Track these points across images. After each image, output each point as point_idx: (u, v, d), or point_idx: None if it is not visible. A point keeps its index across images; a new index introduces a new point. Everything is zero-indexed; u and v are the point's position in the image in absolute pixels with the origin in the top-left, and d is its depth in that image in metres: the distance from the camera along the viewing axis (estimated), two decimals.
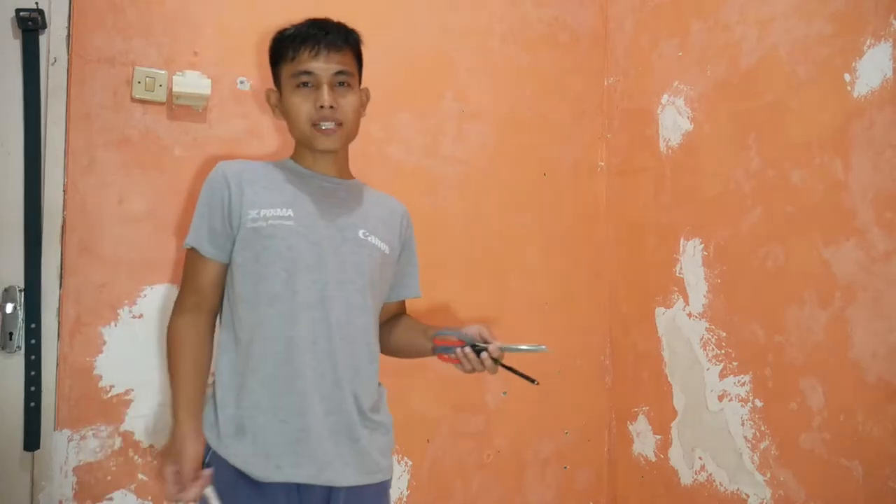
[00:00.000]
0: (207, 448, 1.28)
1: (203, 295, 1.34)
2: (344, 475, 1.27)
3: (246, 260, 1.30)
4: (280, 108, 1.41)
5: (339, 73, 1.35)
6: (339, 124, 1.35)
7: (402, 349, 1.51)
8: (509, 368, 1.32)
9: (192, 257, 1.35)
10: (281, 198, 1.33)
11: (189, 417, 1.25)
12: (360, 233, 1.38)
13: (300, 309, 1.28)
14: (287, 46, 1.35)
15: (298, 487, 1.26)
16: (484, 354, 1.30)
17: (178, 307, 1.34)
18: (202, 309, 1.34)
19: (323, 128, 1.34)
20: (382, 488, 1.36)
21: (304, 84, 1.34)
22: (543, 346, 1.32)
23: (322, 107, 1.32)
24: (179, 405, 1.25)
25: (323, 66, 1.33)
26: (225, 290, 1.36)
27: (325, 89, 1.33)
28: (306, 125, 1.35)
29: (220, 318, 1.37)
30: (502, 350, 1.32)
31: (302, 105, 1.34)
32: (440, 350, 1.36)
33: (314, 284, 1.30)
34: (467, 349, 1.31)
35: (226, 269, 1.35)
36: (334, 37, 1.35)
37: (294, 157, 1.45)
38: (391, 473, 1.39)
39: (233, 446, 1.25)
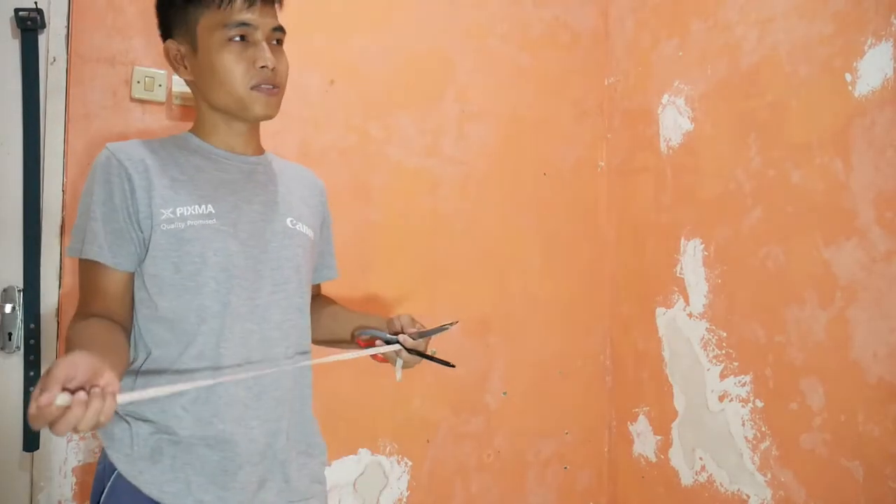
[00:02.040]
0: (108, 471, 1.06)
1: (111, 306, 1.08)
2: None
3: (162, 270, 1.08)
4: (194, 65, 1.14)
5: (277, 28, 1.16)
6: (278, 88, 1.15)
7: (325, 342, 1.33)
8: (426, 356, 1.21)
9: (89, 268, 1.08)
10: (198, 191, 1.11)
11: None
12: (288, 221, 1.20)
13: (233, 321, 1.09)
14: None
15: None
16: (398, 348, 1.15)
17: (76, 313, 1.08)
18: (112, 318, 1.07)
19: (264, 89, 1.13)
20: None
21: (237, 38, 1.11)
22: (449, 325, 1.22)
23: (264, 67, 1.11)
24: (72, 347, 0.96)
25: (260, 18, 1.12)
26: (134, 305, 1.11)
27: (265, 46, 1.12)
28: (243, 87, 1.11)
29: (131, 336, 1.13)
30: (417, 338, 1.17)
31: (237, 63, 1.10)
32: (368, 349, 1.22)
33: (248, 292, 1.11)
34: (399, 350, 1.17)
35: (132, 277, 1.11)
36: None
37: (199, 133, 1.19)
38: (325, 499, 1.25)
39: (147, 471, 1.04)
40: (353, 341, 1.26)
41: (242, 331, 1.10)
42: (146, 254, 1.08)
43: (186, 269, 1.08)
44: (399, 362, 1.17)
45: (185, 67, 1.15)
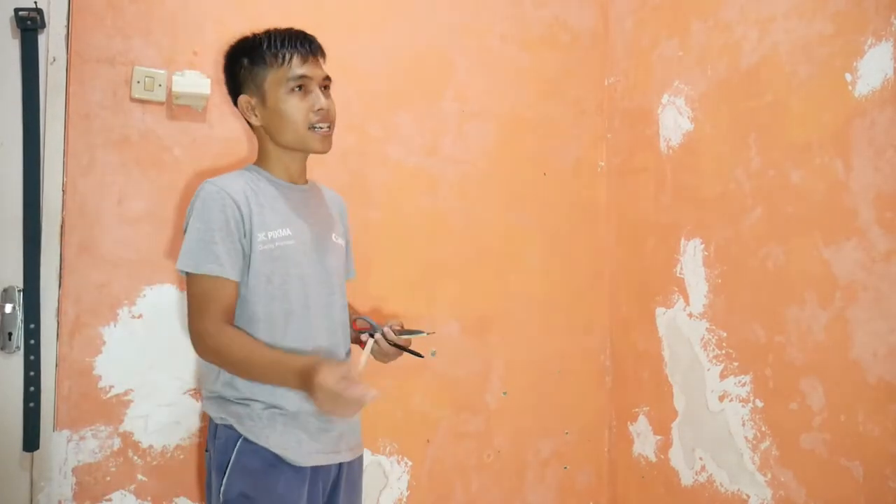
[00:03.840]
0: (231, 441, 1.35)
1: (228, 311, 1.35)
2: (347, 453, 1.46)
3: (258, 282, 1.36)
4: (263, 113, 1.42)
5: (326, 77, 1.45)
6: (331, 126, 1.45)
7: None
8: (401, 347, 1.49)
9: (207, 282, 1.33)
10: (279, 217, 1.41)
11: (300, 360, 1.29)
12: (333, 236, 1.52)
13: (315, 320, 1.41)
14: (275, 53, 1.40)
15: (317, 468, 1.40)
16: (378, 336, 1.46)
17: (208, 319, 1.32)
18: (229, 322, 1.35)
19: (320, 129, 1.42)
20: (360, 462, 1.55)
21: (297, 88, 1.40)
22: (425, 333, 1.50)
23: (321, 109, 1.41)
24: (285, 362, 1.29)
25: (313, 70, 1.42)
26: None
27: (319, 93, 1.42)
28: (303, 128, 1.41)
29: None
30: (394, 335, 1.47)
31: (299, 107, 1.40)
32: (357, 333, 1.55)
33: (322, 297, 1.44)
34: (377, 335, 1.47)
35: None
36: (317, 44, 1.45)
37: (265, 167, 1.47)
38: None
39: (271, 435, 1.35)
40: (351, 326, 1.56)
41: (318, 327, 1.42)
42: (248, 268, 1.36)
43: (275, 280, 1.37)
44: (369, 346, 1.44)
45: (256, 116, 1.43)
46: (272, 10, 1.81)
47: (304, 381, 1.23)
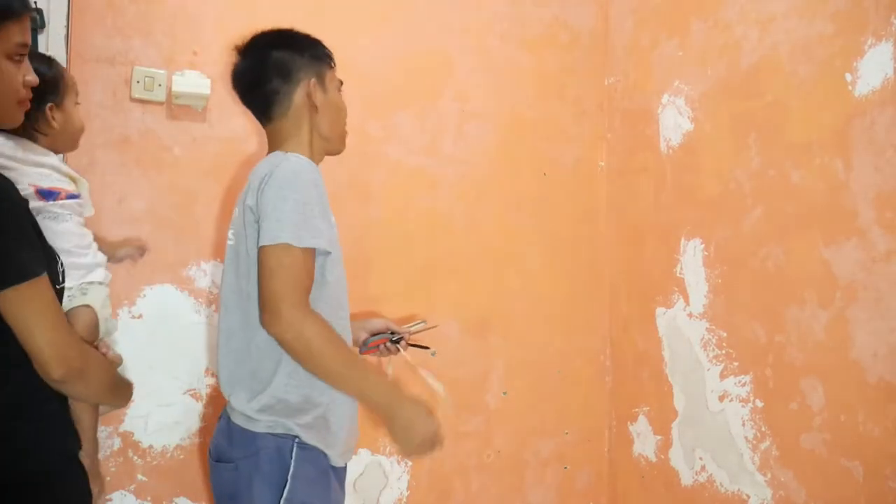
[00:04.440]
0: (287, 445, 1.26)
1: (311, 285, 1.27)
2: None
3: (332, 259, 1.32)
4: (324, 102, 1.43)
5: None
6: None
7: None
8: (412, 345, 1.61)
9: (307, 256, 1.24)
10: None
11: (400, 389, 1.29)
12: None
13: (347, 322, 1.40)
14: (329, 55, 1.47)
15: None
16: (402, 343, 1.54)
17: (304, 304, 1.22)
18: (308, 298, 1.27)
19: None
20: None
21: (340, 89, 1.49)
22: (423, 322, 1.60)
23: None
24: (385, 386, 1.29)
25: None
26: None
27: None
28: (344, 127, 1.48)
29: None
30: (411, 334, 1.56)
31: (344, 109, 1.49)
32: (367, 347, 1.60)
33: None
34: (389, 344, 1.57)
35: None
36: None
37: (307, 154, 1.40)
38: None
39: (328, 438, 1.31)
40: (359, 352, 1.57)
41: (347, 330, 1.38)
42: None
43: (328, 266, 1.31)
44: (433, 383, 1.63)
45: (317, 102, 1.41)
46: (272, 11, 1.80)
47: (414, 410, 1.25)
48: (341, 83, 1.49)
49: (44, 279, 1.01)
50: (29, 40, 1.04)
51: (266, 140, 1.45)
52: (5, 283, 0.97)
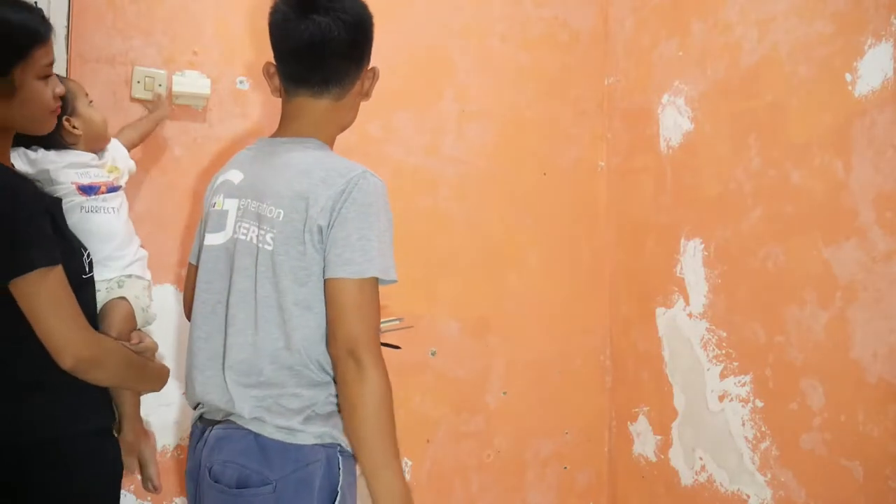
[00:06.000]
0: (333, 453, 1.17)
1: None
2: None
3: None
4: (359, 97, 1.37)
5: None
6: None
7: None
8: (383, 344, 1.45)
9: (377, 289, 1.16)
10: None
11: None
12: None
13: None
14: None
15: None
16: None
17: (380, 353, 1.14)
18: None
19: None
20: None
21: None
22: (400, 320, 1.56)
23: None
24: (396, 463, 1.13)
25: None
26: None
27: None
28: None
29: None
30: (382, 331, 1.34)
31: None
32: None
33: None
34: None
35: None
36: None
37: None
38: None
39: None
40: None
41: None
42: None
43: None
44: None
45: (364, 93, 1.35)
46: None
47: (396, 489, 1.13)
48: None
49: (54, 271, 1.08)
50: (54, 57, 1.16)
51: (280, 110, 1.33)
52: (12, 274, 1.05)
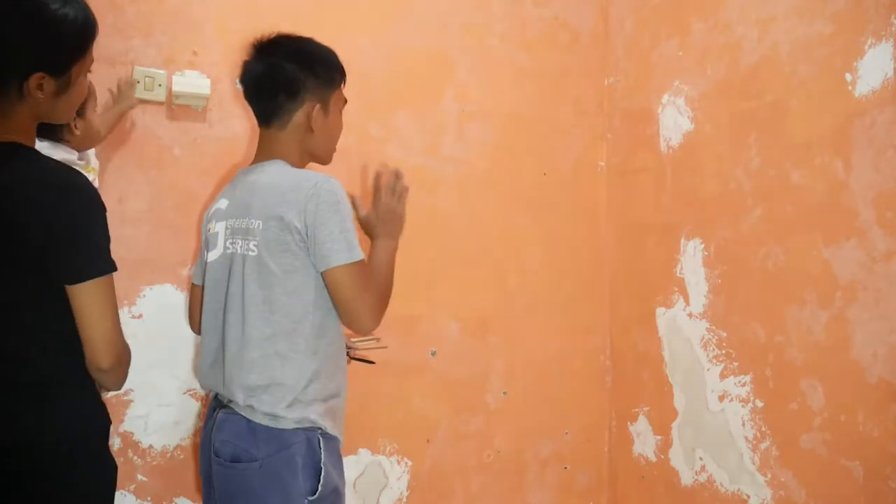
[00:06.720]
0: (314, 436, 1.33)
1: None
2: None
3: None
4: (324, 125, 1.45)
5: None
6: None
7: None
8: (356, 359, 1.62)
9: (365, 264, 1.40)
10: None
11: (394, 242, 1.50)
12: None
13: None
14: (342, 72, 1.49)
15: None
16: (346, 356, 1.51)
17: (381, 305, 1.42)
18: None
19: None
20: None
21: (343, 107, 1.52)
22: (374, 339, 1.62)
23: None
24: (392, 249, 1.49)
25: None
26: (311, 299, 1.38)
27: None
28: (334, 146, 1.51)
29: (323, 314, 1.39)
30: (357, 350, 1.61)
31: (340, 129, 1.51)
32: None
33: None
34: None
35: None
36: None
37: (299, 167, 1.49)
38: None
39: (340, 426, 1.42)
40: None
41: None
42: None
43: None
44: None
45: (319, 125, 1.44)
46: (273, 11, 1.81)
47: (398, 229, 1.52)
48: (345, 101, 1.50)
49: (112, 276, 1.13)
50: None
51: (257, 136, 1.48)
52: (93, 274, 1.09)
